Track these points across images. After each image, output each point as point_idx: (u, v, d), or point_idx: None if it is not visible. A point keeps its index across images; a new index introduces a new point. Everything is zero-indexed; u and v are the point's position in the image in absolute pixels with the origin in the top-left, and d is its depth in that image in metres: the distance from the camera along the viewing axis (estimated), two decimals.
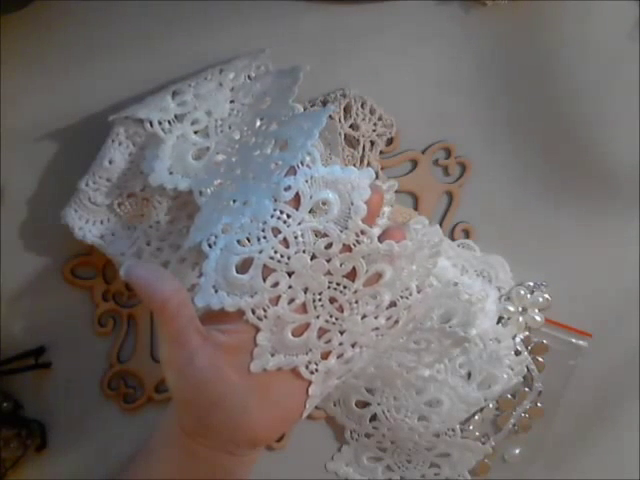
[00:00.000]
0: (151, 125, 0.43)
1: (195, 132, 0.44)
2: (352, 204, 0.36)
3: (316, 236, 0.36)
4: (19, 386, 0.48)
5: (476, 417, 0.51)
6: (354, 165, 0.50)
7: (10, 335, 0.48)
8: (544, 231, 0.53)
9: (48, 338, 0.48)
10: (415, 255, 0.39)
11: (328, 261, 0.36)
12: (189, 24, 0.48)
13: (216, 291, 0.35)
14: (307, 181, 0.36)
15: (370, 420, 0.49)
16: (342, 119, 0.49)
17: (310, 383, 0.38)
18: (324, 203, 0.36)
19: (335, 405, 0.50)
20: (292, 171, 0.36)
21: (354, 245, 0.36)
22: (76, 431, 0.49)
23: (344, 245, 0.36)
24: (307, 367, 0.37)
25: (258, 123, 0.42)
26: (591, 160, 0.53)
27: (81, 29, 0.47)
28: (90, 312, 0.48)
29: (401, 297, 0.39)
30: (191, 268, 0.45)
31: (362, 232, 0.36)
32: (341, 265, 0.36)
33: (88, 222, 0.45)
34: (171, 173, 0.42)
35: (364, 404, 0.49)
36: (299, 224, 0.35)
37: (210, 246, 0.36)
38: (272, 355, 0.36)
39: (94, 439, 0.49)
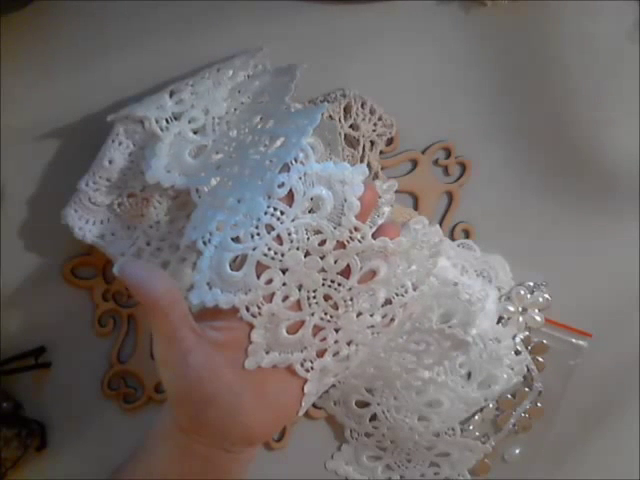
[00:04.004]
0: (149, 123, 0.43)
1: (193, 131, 0.44)
2: (345, 200, 0.36)
3: (311, 233, 0.36)
4: (19, 386, 0.48)
5: (476, 417, 0.51)
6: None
7: (10, 335, 0.48)
8: (544, 231, 0.53)
9: (48, 338, 0.48)
10: (410, 252, 0.39)
11: (322, 258, 0.36)
12: (189, 24, 0.48)
13: (210, 288, 0.35)
14: (300, 178, 0.36)
15: (370, 420, 0.49)
16: (342, 119, 0.49)
17: (305, 381, 0.38)
18: (318, 199, 0.36)
19: (335, 404, 0.50)
20: (286, 168, 0.36)
21: (348, 242, 0.36)
22: (76, 431, 0.49)
23: (338, 242, 0.36)
24: (302, 365, 0.37)
25: (256, 120, 0.42)
26: (591, 160, 0.53)
27: (81, 29, 0.47)
28: (90, 312, 0.48)
29: (397, 294, 0.39)
30: (191, 268, 0.45)
31: (355, 229, 0.36)
32: (335, 262, 0.36)
33: (88, 222, 0.45)
34: (168, 171, 0.42)
35: (364, 404, 0.49)
36: (292, 221, 0.35)
37: (205, 244, 0.36)
38: (267, 352, 0.36)
39: (94, 439, 0.49)
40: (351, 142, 0.50)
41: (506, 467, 0.53)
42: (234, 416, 0.35)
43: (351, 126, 0.49)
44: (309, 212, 0.36)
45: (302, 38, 0.49)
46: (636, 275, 0.54)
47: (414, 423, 0.48)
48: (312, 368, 0.37)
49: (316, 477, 0.51)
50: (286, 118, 0.40)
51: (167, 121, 0.43)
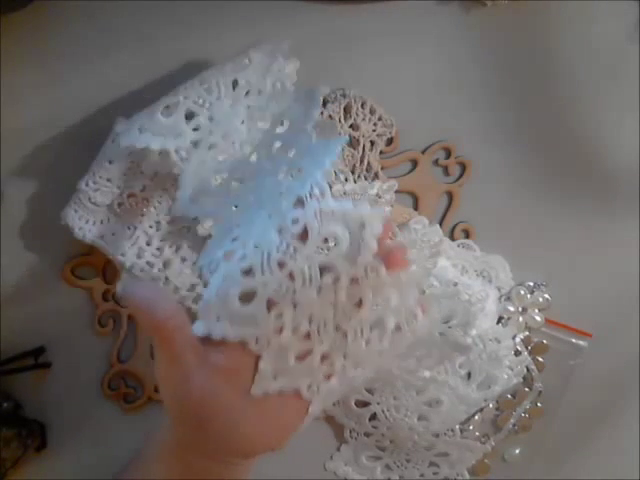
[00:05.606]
0: (169, 155, 0.42)
1: (213, 158, 0.42)
2: (363, 240, 0.34)
3: (323, 270, 0.35)
4: (19, 386, 0.48)
5: (476, 417, 0.51)
6: (354, 165, 0.50)
7: (10, 335, 0.48)
8: (544, 231, 0.53)
9: (48, 338, 0.48)
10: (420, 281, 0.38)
11: (334, 294, 0.35)
12: (189, 24, 0.48)
13: (218, 320, 0.34)
14: (315, 215, 0.34)
15: (369, 419, 0.49)
16: (342, 119, 0.49)
17: (309, 401, 0.37)
18: (333, 238, 0.35)
19: (334, 405, 0.50)
20: (300, 203, 0.35)
21: (362, 279, 0.35)
22: (76, 431, 0.49)
23: (352, 279, 0.35)
24: (308, 389, 0.36)
25: (276, 147, 0.41)
26: (591, 160, 0.53)
27: (81, 29, 0.47)
28: (90, 312, 0.48)
29: (407, 322, 0.37)
30: (191, 268, 0.45)
31: (371, 267, 0.35)
32: (348, 297, 0.35)
33: (88, 222, 0.45)
34: (193, 202, 0.41)
35: (363, 403, 0.49)
36: (306, 259, 0.34)
37: (211, 272, 0.35)
38: (274, 379, 0.35)
39: (94, 439, 0.49)
40: (351, 142, 0.50)
41: (506, 467, 0.53)
42: (234, 434, 0.35)
43: (351, 126, 0.49)
44: (323, 249, 0.35)
45: (302, 38, 0.49)
46: (636, 275, 0.54)
47: (414, 423, 0.48)
48: (318, 391, 0.36)
49: (316, 477, 0.51)
50: (306, 149, 0.39)
51: (187, 151, 0.42)
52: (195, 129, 0.43)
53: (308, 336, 0.35)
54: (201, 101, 0.43)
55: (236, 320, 0.34)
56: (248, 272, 0.34)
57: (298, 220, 0.34)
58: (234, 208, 0.40)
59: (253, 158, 0.42)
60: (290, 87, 0.45)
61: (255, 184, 0.40)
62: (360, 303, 0.35)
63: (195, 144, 0.42)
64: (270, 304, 0.34)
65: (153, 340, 0.34)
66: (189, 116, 0.43)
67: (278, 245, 0.34)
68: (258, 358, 0.35)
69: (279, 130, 0.43)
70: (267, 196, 0.37)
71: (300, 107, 0.43)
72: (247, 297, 0.34)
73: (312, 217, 0.34)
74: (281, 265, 0.34)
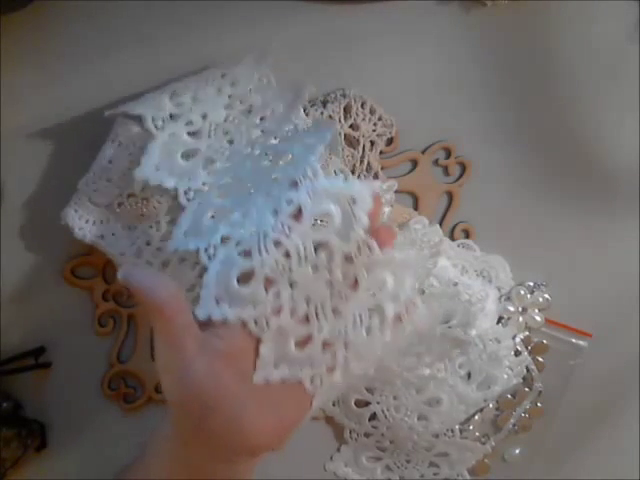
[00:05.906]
0: (145, 121, 0.43)
1: (188, 133, 0.44)
2: (354, 216, 0.36)
3: (318, 247, 0.36)
4: (19, 386, 0.48)
5: (476, 417, 0.51)
6: (354, 165, 0.50)
7: (10, 335, 0.48)
8: (544, 231, 0.53)
9: (48, 338, 0.48)
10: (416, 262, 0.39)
11: (330, 272, 0.36)
12: (189, 24, 0.48)
13: (217, 303, 0.35)
14: (309, 194, 0.36)
15: (369, 419, 0.49)
16: (342, 119, 0.49)
17: (313, 394, 0.37)
18: (326, 215, 0.36)
19: (334, 405, 0.50)
20: (294, 184, 0.36)
21: (355, 256, 0.36)
22: (76, 431, 0.49)
23: (345, 256, 0.36)
24: (312, 381, 0.36)
25: (256, 134, 0.42)
26: (591, 160, 0.53)
27: (81, 29, 0.47)
28: (90, 312, 0.48)
29: (407, 311, 0.38)
30: (191, 268, 0.45)
31: (364, 243, 0.36)
32: (343, 276, 0.36)
33: (88, 222, 0.45)
34: (158, 170, 0.42)
35: (363, 403, 0.49)
36: (300, 236, 0.35)
37: (209, 257, 0.36)
38: (275, 367, 0.36)
39: (94, 439, 0.49)
40: (351, 142, 0.50)
41: (506, 467, 0.53)
42: (236, 424, 0.34)
43: (351, 126, 0.49)
44: (317, 227, 0.36)
45: (303, 38, 0.49)
46: (636, 275, 0.54)
47: (413, 422, 0.48)
48: (321, 384, 0.36)
49: (315, 478, 0.51)
50: (294, 136, 0.40)
51: (163, 121, 0.43)
52: (177, 105, 0.44)
53: (307, 320, 0.36)
54: (187, 84, 0.45)
55: (235, 301, 0.35)
56: (246, 254, 0.35)
57: (292, 200, 0.36)
58: (206, 185, 0.41)
59: (230, 142, 0.43)
60: (274, 83, 0.47)
61: (233, 166, 0.41)
62: (355, 284, 0.36)
63: (173, 117, 0.44)
64: (268, 283, 0.35)
65: (153, 327, 0.34)
66: (174, 94, 0.44)
67: (274, 225, 0.35)
68: (258, 343, 0.35)
69: (262, 119, 0.44)
70: (259, 181, 0.38)
71: (284, 99, 0.44)
72: (245, 278, 0.35)
73: (305, 196, 0.35)
74: (277, 244, 0.35)
